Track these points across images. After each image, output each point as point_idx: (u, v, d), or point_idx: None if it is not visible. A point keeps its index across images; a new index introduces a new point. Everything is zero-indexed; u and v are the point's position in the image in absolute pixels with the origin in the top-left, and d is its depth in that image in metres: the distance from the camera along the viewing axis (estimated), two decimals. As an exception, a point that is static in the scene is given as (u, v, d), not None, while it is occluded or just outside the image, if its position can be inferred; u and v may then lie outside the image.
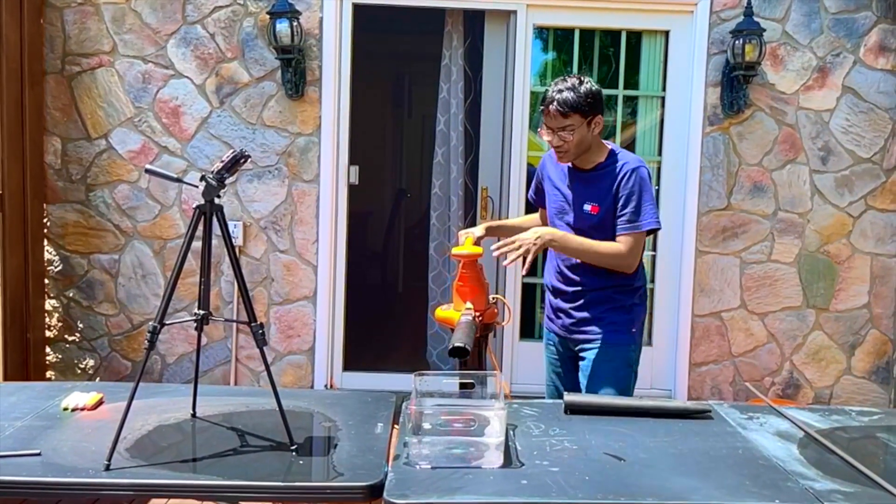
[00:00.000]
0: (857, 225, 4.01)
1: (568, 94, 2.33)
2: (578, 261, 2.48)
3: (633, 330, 2.51)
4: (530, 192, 2.79)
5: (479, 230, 2.58)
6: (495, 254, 2.32)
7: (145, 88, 3.92)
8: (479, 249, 2.43)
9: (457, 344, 2.07)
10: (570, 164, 2.49)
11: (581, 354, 2.53)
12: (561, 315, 2.58)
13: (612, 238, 2.41)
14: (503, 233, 2.59)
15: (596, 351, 2.47)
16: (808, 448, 1.88)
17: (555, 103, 2.33)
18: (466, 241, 2.48)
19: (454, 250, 2.43)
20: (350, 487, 1.62)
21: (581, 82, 2.36)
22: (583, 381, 2.51)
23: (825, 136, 3.97)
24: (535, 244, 2.31)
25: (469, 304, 2.31)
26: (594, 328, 2.49)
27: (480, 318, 2.32)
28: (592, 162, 2.46)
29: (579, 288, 2.50)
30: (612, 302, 2.47)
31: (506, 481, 1.63)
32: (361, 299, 4.55)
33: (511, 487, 1.60)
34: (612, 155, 2.46)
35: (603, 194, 2.42)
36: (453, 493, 1.56)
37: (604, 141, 2.50)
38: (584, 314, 2.50)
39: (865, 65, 3.94)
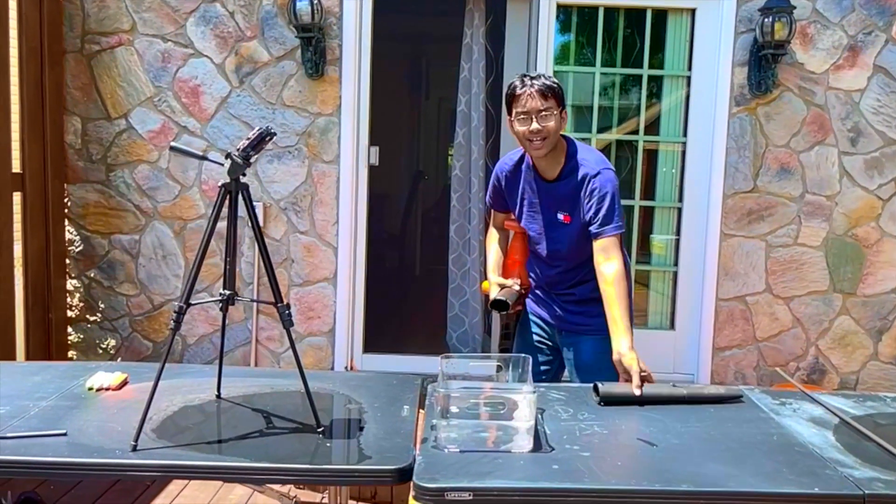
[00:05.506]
0: (886, 208, 3.92)
1: (545, 80, 2.33)
2: (552, 278, 2.51)
3: None
4: (488, 195, 2.70)
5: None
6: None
7: (165, 68, 3.89)
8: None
9: (499, 297, 2.34)
10: (533, 174, 2.44)
11: (568, 346, 2.52)
12: (550, 305, 2.57)
13: (587, 245, 2.34)
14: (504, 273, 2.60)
15: (585, 343, 2.46)
16: (843, 434, 1.84)
17: (535, 86, 2.30)
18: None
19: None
20: (379, 471, 1.60)
21: (548, 77, 2.37)
22: (573, 371, 2.50)
23: (855, 117, 3.88)
24: (638, 365, 2.10)
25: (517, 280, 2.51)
26: (580, 320, 2.48)
27: (525, 293, 2.53)
28: (555, 167, 2.40)
29: (558, 299, 2.53)
30: (595, 302, 2.40)
31: (536, 466, 1.60)
32: (381, 281, 4.53)
33: (542, 472, 1.57)
34: (572, 156, 2.38)
35: (572, 202, 2.37)
36: (483, 478, 1.53)
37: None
38: (570, 309, 2.51)
39: (898, 44, 3.84)
